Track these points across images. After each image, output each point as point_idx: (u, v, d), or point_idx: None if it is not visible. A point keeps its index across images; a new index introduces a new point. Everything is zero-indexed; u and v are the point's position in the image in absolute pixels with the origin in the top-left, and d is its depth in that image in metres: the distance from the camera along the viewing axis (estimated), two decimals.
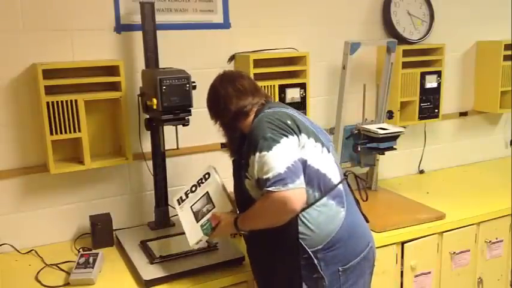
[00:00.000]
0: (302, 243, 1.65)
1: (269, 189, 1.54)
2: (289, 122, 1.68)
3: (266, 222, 1.65)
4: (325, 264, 1.67)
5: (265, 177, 1.56)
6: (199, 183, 1.90)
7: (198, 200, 1.87)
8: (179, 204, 1.92)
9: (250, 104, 1.81)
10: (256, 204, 1.65)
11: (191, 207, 1.87)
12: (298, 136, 1.67)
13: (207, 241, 2.07)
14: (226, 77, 1.86)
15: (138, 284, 1.89)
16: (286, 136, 1.63)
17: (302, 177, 1.59)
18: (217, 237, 1.97)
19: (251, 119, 1.79)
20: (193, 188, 1.90)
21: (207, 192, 1.86)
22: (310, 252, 1.65)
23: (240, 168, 1.73)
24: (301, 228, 1.64)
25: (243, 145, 1.74)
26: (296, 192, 1.56)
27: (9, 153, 2.17)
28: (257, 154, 1.61)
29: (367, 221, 1.86)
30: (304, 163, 1.64)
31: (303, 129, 1.69)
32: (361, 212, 1.85)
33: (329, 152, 1.76)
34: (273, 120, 1.67)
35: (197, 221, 1.82)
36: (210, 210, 1.81)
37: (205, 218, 1.80)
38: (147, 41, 2.14)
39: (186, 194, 1.91)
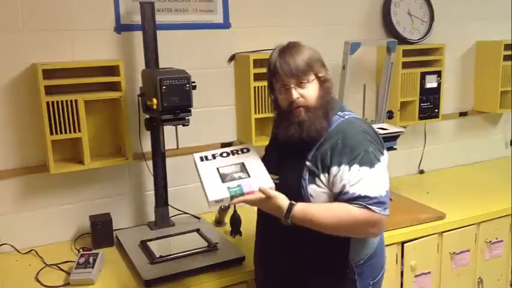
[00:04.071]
0: (348, 256, 1.61)
1: (372, 207, 1.47)
2: (375, 134, 1.61)
3: (342, 231, 1.54)
4: (361, 279, 1.64)
5: (364, 194, 1.48)
6: (234, 152, 1.75)
7: (229, 165, 1.70)
8: (201, 161, 1.74)
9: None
10: (339, 210, 1.50)
11: (217, 168, 1.69)
12: (384, 152, 1.60)
13: (208, 243, 2.08)
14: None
15: (138, 284, 1.89)
16: (383, 154, 1.56)
17: None
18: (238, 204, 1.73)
19: None
20: (224, 154, 1.75)
21: (242, 162, 1.70)
22: (353, 266, 1.63)
23: (299, 168, 1.59)
24: (353, 241, 1.61)
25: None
26: (387, 218, 1.53)
27: (9, 153, 2.17)
28: (355, 166, 1.50)
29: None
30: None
31: (382, 141, 1.62)
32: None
33: None
34: (367, 131, 1.58)
35: (223, 182, 1.64)
36: (243, 178, 1.63)
37: (235, 182, 1.62)
38: (147, 41, 2.14)
39: (214, 156, 1.75)
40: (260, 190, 1.55)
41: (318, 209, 1.53)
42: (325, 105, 1.59)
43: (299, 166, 1.59)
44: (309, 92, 1.57)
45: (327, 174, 1.55)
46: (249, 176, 1.63)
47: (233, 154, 1.75)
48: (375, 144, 1.55)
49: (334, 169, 1.53)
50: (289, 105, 1.58)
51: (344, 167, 1.51)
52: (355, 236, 1.59)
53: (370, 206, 1.48)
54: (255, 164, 1.68)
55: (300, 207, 1.53)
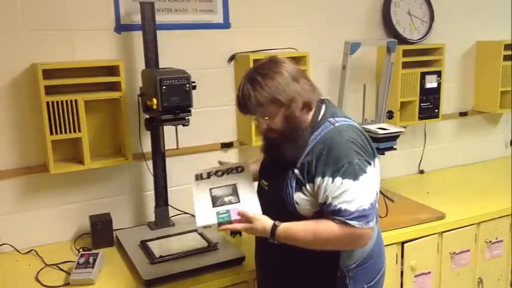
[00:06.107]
0: (339, 260, 1.61)
1: (351, 222, 1.46)
2: (366, 142, 1.57)
3: (325, 247, 1.55)
4: (354, 282, 1.63)
5: (345, 207, 1.46)
6: (228, 171, 1.78)
7: (221, 187, 1.74)
8: (196, 180, 1.78)
9: (314, 98, 1.60)
10: (321, 228, 1.50)
11: (210, 189, 1.74)
12: (374, 161, 1.56)
13: (208, 243, 2.09)
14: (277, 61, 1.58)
15: (138, 284, 1.89)
16: (370, 163, 1.52)
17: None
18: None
19: (310, 116, 1.60)
20: (219, 173, 1.78)
21: (235, 184, 1.74)
22: (344, 270, 1.62)
23: (286, 175, 1.58)
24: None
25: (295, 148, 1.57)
26: (372, 230, 1.52)
27: (9, 153, 2.17)
28: (338, 179, 1.47)
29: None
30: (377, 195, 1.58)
31: (374, 150, 1.60)
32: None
33: None
34: (355, 140, 1.52)
35: (213, 206, 1.68)
36: (233, 203, 1.67)
37: (225, 207, 1.66)
38: (147, 41, 2.14)
39: (208, 175, 1.78)
40: (239, 213, 1.59)
41: (300, 228, 1.54)
42: (295, 129, 1.55)
43: (287, 174, 1.59)
44: (273, 123, 1.56)
45: (312, 184, 1.54)
46: (239, 201, 1.67)
47: (227, 174, 1.78)
48: (361, 155, 1.51)
49: (318, 180, 1.51)
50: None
51: (328, 179, 1.49)
52: (341, 249, 1.59)
53: (349, 221, 1.46)
54: (246, 187, 1.72)
55: (282, 229, 1.55)
